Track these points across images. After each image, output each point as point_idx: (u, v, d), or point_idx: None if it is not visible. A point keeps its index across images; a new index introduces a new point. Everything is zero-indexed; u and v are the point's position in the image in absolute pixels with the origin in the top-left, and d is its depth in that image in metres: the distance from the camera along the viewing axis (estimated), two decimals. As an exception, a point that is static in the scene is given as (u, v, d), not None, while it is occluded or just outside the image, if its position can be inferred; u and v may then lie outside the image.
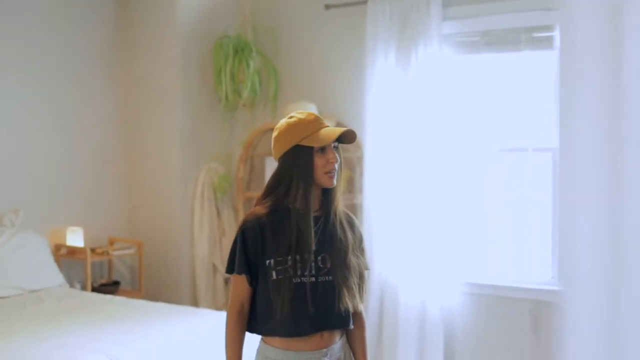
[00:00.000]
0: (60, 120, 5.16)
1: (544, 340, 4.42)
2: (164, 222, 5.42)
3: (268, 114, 5.43)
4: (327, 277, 2.28)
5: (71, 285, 4.89)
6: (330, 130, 2.29)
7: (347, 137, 2.30)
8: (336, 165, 2.29)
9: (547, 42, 4.44)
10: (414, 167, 4.63)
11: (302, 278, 2.25)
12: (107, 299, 4.45)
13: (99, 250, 5.10)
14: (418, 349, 4.64)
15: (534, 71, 4.52)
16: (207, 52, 5.41)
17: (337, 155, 2.30)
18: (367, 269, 2.42)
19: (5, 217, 4.66)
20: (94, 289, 4.98)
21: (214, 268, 5.42)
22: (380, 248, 4.71)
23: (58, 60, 5.13)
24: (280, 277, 2.24)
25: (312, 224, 2.27)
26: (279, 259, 2.25)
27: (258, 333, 2.35)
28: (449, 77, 4.66)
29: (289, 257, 2.25)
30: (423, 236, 4.61)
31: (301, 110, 2.35)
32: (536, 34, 4.48)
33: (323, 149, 2.27)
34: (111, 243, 5.34)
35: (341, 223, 2.36)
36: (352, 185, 4.99)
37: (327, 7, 5.06)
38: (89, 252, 4.90)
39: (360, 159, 4.89)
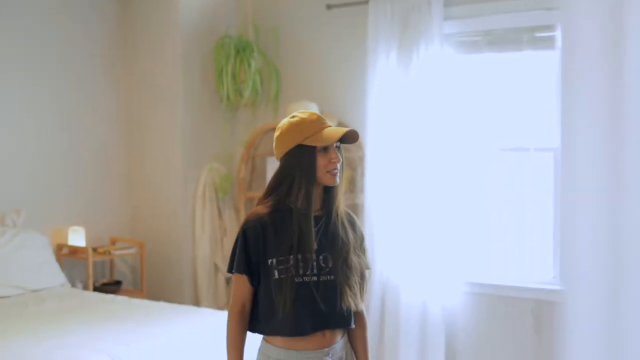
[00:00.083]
0: (62, 120, 5.17)
1: (545, 340, 4.42)
2: (165, 222, 5.42)
3: (269, 114, 5.43)
4: (328, 277, 2.28)
5: (73, 285, 4.89)
6: (333, 130, 2.29)
7: (350, 137, 2.30)
8: (338, 165, 2.30)
9: (548, 42, 4.44)
10: (415, 167, 4.64)
11: (304, 277, 2.25)
12: (108, 298, 4.45)
13: (100, 250, 5.10)
14: (419, 349, 4.64)
15: (536, 71, 4.52)
16: (208, 52, 5.41)
17: (339, 155, 2.30)
18: (368, 268, 2.43)
19: (7, 217, 4.67)
20: (95, 289, 4.98)
21: (216, 268, 5.42)
22: (382, 248, 4.71)
23: (59, 59, 5.14)
24: (282, 276, 2.24)
25: (313, 223, 2.27)
26: (281, 258, 2.25)
27: (260, 333, 2.35)
28: (451, 76, 4.65)
29: (291, 257, 2.25)
30: (424, 236, 4.61)
31: (303, 110, 2.36)
32: (538, 34, 4.48)
33: (325, 149, 2.28)
34: (113, 243, 5.34)
35: (342, 223, 2.37)
36: (354, 185, 4.99)
37: (329, 7, 5.06)
38: (90, 251, 4.90)
39: (361, 158, 4.89)
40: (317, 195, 2.33)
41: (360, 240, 2.43)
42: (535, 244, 4.57)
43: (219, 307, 5.22)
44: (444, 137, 4.61)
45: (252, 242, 2.28)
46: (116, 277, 5.38)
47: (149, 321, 3.92)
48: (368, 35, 4.76)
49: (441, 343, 4.60)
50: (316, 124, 2.29)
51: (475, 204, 4.75)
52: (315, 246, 2.27)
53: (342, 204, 2.38)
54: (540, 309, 4.44)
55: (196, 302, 5.33)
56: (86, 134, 5.32)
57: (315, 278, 2.27)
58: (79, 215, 5.23)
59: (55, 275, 4.66)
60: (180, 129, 5.32)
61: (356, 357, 2.44)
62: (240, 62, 5.20)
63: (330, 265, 2.29)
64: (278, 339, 2.29)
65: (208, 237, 5.37)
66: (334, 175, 2.29)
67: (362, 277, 2.38)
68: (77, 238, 5.03)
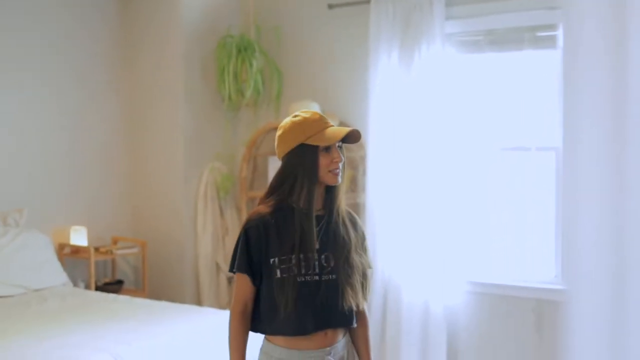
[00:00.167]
0: (64, 120, 5.17)
1: (547, 339, 4.42)
2: (167, 221, 5.43)
3: (271, 114, 5.44)
4: (330, 276, 2.28)
5: (75, 284, 4.90)
6: (336, 130, 2.29)
7: (352, 137, 2.30)
8: (340, 165, 2.30)
9: (550, 41, 4.44)
10: (416, 167, 4.64)
11: (306, 277, 2.25)
12: (110, 297, 4.46)
13: (102, 250, 5.11)
14: (421, 348, 4.64)
15: (537, 70, 4.52)
16: (210, 52, 5.42)
17: (341, 154, 2.30)
18: (370, 267, 2.43)
19: (9, 217, 4.68)
20: (97, 288, 4.99)
21: (217, 267, 5.43)
22: (383, 247, 4.71)
23: (61, 59, 5.14)
24: (284, 275, 2.24)
25: (314, 223, 2.27)
26: (283, 257, 2.25)
27: (262, 332, 2.35)
28: (452, 76, 4.65)
29: (293, 256, 2.25)
30: (426, 235, 4.61)
31: (304, 109, 2.36)
32: (539, 33, 4.48)
33: (328, 149, 2.28)
34: (115, 242, 5.35)
35: (344, 222, 2.37)
36: (355, 185, 4.99)
37: (330, 6, 5.06)
38: (92, 251, 4.91)
39: (363, 158, 4.89)
40: (318, 195, 2.32)
41: (362, 239, 2.43)
42: (536, 243, 4.56)
43: (221, 307, 5.22)
44: (446, 137, 4.61)
45: (254, 242, 2.28)
46: (118, 277, 5.38)
47: (151, 320, 3.92)
48: (370, 34, 4.77)
49: (443, 342, 4.60)
50: (319, 123, 2.29)
51: (477, 203, 4.75)
52: (317, 245, 2.27)
53: (343, 203, 2.38)
54: (541, 308, 4.44)
55: (198, 302, 5.34)
56: (88, 133, 5.32)
57: (317, 277, 2.27)
58: (81, 214, 5.24)
59: (57, 275, 4.67)
60: (182, 129, 5.33)
61: (358, 356, 2.44)
62: (242, 62, 5.21)
63: (332, 264, 2.29)
64: (280, 339, 2.29)
65: (210, 236, 5.37)
66: (336, 174, 2.30)
67: (364, 276, 2.38)
68: (79, 237, 5.04)
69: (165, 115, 5.42)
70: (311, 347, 2.28)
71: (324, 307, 2.27)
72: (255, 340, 2.39)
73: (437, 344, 4.60)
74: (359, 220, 2.46)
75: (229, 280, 5.42)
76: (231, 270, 2.34)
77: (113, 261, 5.37)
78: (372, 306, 4.69)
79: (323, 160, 2.28)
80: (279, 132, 2.34)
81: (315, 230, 2.27)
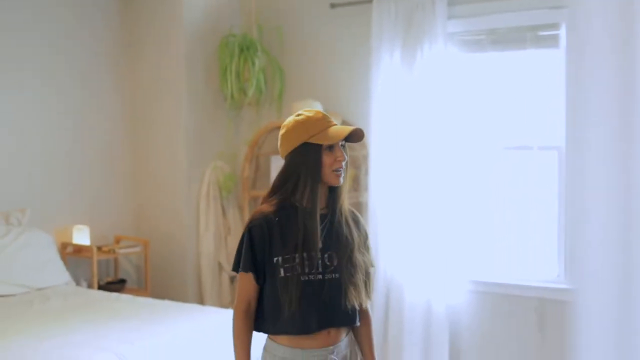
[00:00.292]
0: (66, 119, 5.18)
1: (549, 339, 4.42)
2: (169, 221, 5.43)
3: (273, 113, 5.44)
4: (333, 275, 2.29)
5: (77, 283, 4.91)
6: (339, 129, 2.29)
7: (355, 136, 2.30)
8: (343, 164, 2.30)
9: (552, 41, 4.44)
10: (419, 166, 4.64)
11: (310, 276, 2.26)
12: (113, 297, 4.46)
13: (105, 249, 5.11)
14: (423, 348, 4.65)
15: (539, 69, 4.52)
16: (212, 51, 5.42)
17: (344, 153, 2.30)
18: (372, 266, 2.43)
19: (12, 216, 4.68)
20: (100, 287, 4.99)
21: (220, 266, 5.43)
22: (386, 246, 4.71)
23: (64, 59, 5.15)
24: (288, 274, 2.24)
25: (318, 221, 2.27)
26: (286, 256, 2.25)
27: (265, 332, 2.35)
28: (454, 75, 4.65)
29: (297, 255, 2.25)
30: (428, 234, 4.61)
31: (307, 108, 2.36)
32: (541, 33, 4.48)
33: (331, 147, 2.28)
34: (117, 241, 5.35)
35: (347, 221, 2.37)
36: (358, 184, 4.99)
37: (333, 5, 5.06)
38: (95, 250, 4.91)
39: (365, 157, 4.89)
40: (321, 194, 2.32)
41: (365, 238, 2.43)
42: (539, 242, 4.56)
43: (223, 306, 5.23)
44: (448, 136, 4.61)
45: (258, 240, 2.28)
46: (120, 276, 5.39)
47: (154, 319, 3.92)
48: (372, 34, 4.77)
49: (445, 341, 4.60)
50: (322, 122, 2.29)
51: (479, 202, 4.76)
52: (320, 244, 2.27)
53: (346, 202, 2.39)
54: (544, 307, 4.44)
55: (200, 301, 5.34)
56: (91, 132, 5.33)
57: (320, 276, 2.27)
58: (84, 213, 5.24)
59: (59, 274, 4.67)
60: (185, 128, 5.33)
61: (362, 354, 2.44)
62: (244, 61, 5.21)
63: (335, 263, 2.30)
64: (283, 338, 2.30)
65: (212, 235, 5.38)
66: (339, 175, 2.29)
67: (367, 275, 2.39)
68: (81, 237, 5.04)
69: (168, 114, 5.42)
70: (314, 346, 2.28)
71: (327, 306, 2.27)
72: (258, 339, 2.39)
73: (439, 343, 4.60)
74: (361, 219, 2.46)
75: (232, 279, 5.43)
76: (235, 269, 2.34)
77: (115, 260, 5.38)
78: (374, 305, 4.69)
79: (326, 159, 2.28)
80: (282, 131, 2.34)
81: (319, 229, 2.27)
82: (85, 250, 4.98)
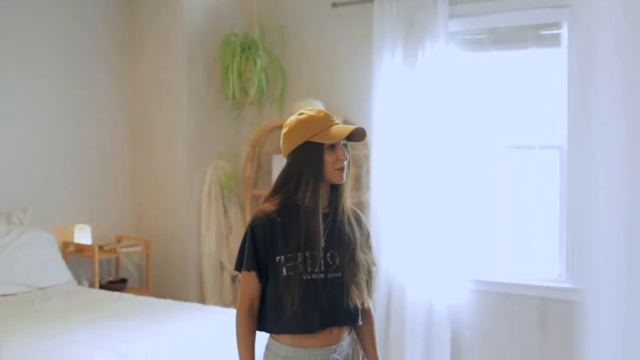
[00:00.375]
0: (68, 119, 5.18)
1: (551, 338, 4.42)
2: (171, 220, 5.43)
3: (275, 112, 5.44)
4: (336, 274, 2.29)
5: (79, 283, 4.91)
6: (341, 128, 2.29)
7: (357, 135, 2.30)
8: (345, 163, 2.30)
9: (554, 40, 4.44)
10: (420, 165, 4.64)
11: (312, 275, 2.25)
12: (114, 296, 4.46)
13: (106, 248, 5.12)
14: (425, 347, 4.65)
15: (541, 69, 4.51)
16: (213, 51, 5.42)
17: (346, 152, 2.30)
18: (374, 265, 2.43)
19: (14, 215, 4.68)
20: (101, 286, 5.00)
21: (221, 265, 5.43)
22: (387, 246, 4.71)
23: (65, 58, 5.15)
24: (290, 273, 2.24)
25: (321, 220, 2.27)
26: (289, 255, 2.25)
27: (267, 331, 2.35)
28: (456, 74, 4.65)
29: (299, 254, 2.25)
30: (430, 234, 4.61)
31: (308, 107, 2.36)
32: (543, 32, 4.47)
33: (333, 147, 2.28)
34: (118, 241, 5.36)
35: (349, 220, 2.37)
36: (359, 183, 4.99)
37: (334, 5, 5.06)
38: (96, 249, 4.92)
39: (367, 156, 4.89)
40: (324, 193, 2.32)
41: (367, 237, 2.43)
42: (540, 241, 4.56)
43: (225, 305, 5.23)
44: (450, 135, 4.61)
45: (260, 239, 2.28)
46: (122, 275, 5.39)
47: (155, 319, 3.92)
48: (373, 33, 4.77)
49: (447, 341, 4.60)
50: (324, 121, 2.29)
51: (481, 201, 4.75)
52: (322, 243, 2.27)
53: (348, 201, 2.38)
54: (545, 306, 4.44)
55: (202, 300, 5.34)
56: (92, 132, 5.33)
57: (322, 275, 2.27)
58: (85, 213, 5.25)
59: (61, 273, 4.68)
60: (186, 127, 5.33)
61: (365, 353, 2.45)
62: (245, 60, 5.21)
63: (337, 262, 2.30)
64: (286, 337, 2.29)
65: (214, 235, 5.38)
66: (341, 173, 2.29)
67: (369, 274, 2.39)
68: (83, 236, 5.05)
69: (169, 114, 5.42)
70: (317, 345, 2.28)
71: (330, 305, 2.27)
72: (260, 338, 2.39)
73: (441, 343, 4.60)
74: (364, 218, 2.46)
75: (233, 278, 5.43)
76: (238, 268, 2.34)
77: (117, 259, 5.38)
78: (376, 305, 4.69)
79: (328, 158, 2.28)
80: (284, 130, 2.34)
81: (321, 228, 2.27)
82: (86, 250, 4.98)
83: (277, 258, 2.26)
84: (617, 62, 3.51)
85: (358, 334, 2.44)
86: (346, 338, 2.35)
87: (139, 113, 5.58)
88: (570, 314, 4.18)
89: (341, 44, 5.17)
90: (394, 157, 4.71)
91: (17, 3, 4.84)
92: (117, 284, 5.12)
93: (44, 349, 3.32)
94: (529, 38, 4.50)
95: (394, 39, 4.70)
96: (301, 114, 2.33)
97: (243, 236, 2.32)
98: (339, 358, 2.31)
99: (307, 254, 2.25)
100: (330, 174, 2.29)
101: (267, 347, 2.36)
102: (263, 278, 2.30)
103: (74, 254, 5.04)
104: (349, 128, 2.28)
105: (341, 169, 2.29)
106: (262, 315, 2.34)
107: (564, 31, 4.37)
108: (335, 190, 2.35)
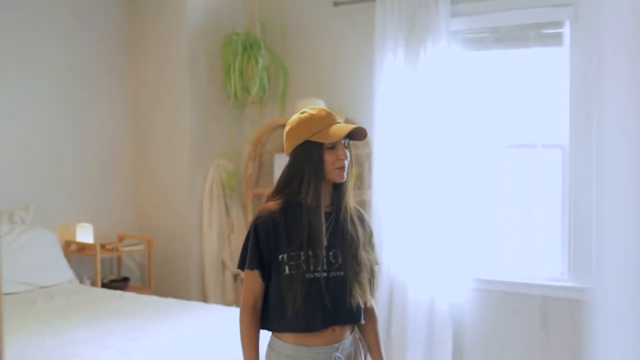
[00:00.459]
0: (70, 118, 5.18)
1: (553, 337, 4.41)
2: (173, 219, 5.43)
3: (277, 111, 5.44)
4: (338, 273, 2.29)
5: (81, 281, 4.91)
6: (341, 127, 2.28)
7: (358, 134, 2.30)
8: (346, 162, 2.29)
9: (555, 39, 4.43)
10: (422, 164, 4.63)
11: (315, 273, 2.26)
12: (116, 295, 4.46)
13: (108, 247, 5.12)
14: (427, 346, 4.64)
15: (543, 67, 4.51)
16: (215, 50, 5.42)
17: (347, 152, 2.30)
18: (377, 264, 2.43)
19: (16, 214, 4.68)
20: (103, 285, 5.00)
21: (223, 264, 5.43)
22: (389, 244, 4.71)
23: (67, 58, 5.15)
24: (293, 272, 2.24)
25: (323, 219, 2.27)
26: (292, 254, 2.25)
27: (270, 330, 2.35)
28: (458, 73, 4.65)
29: (302, 253, 2.25)
30: (432, 232, 4.61)
31: (310, 106, 2.36)
32: (545, 31, 4.47)
33: (333, 146, 2.28)
34: (120, 239, 5.36)
35: (352, 219, 2.37)
36: (361, 182, 4.99)
37: (336, 4, 5.06)
38: (98, 248, 4.92)
39: (369, 155, 4.89)
40: (326, 192, 2.33)
41: (369, 236, 2.43)
42: (543, 240, 4.56)
43: (227, 304, 5.23)
44: (451, 134, 4.60)
45: (263, 238, 2.28)
46: (124, 274, 5.39)
47: (157, 317, 3.93)
48: (375, 32, 4.76)
49: (448, 339, 4.60)
50: (325, 120, 2.29)
51: (483, 200, 4.75)
52: (325, 242, 2.27)
53: (351, 200, 2.38)
54: (548, 305, 4.44)
55: (204, 299, 5.34)
56: (94, 131, 5.33)
57: (325, 274, 2.27)
58: (87, 212, 5.25)
59: (63, 272, 4.68)
60: (188, 126, 5.33)
61: (369, 351, 2.45)
62: (247, 59, 5.21)
63: (340, 261, 2.30)
64: (288, 335, 2.30)
65: (215, 233, 5.38)
66: (341, 172, 2.29)
67: (372, 273, 2.39)
68: (85, 235, 5.05)
69: (171, 113, 5.42)
70: (319, 344, 2.28)
71: (332, 304, 2.27)
72: (263, 337, 2.39)
73: (442, 341, 4.60)
74: (366, 217, 2.46)
75: (235, 277, 5.43)
76: (241, 267, 2.34)
77: (119, 258, 5.38)
78: (378, 303, 4.67)
79: (328, 157, 2.28)
80: (286, 128, 2.34)
81: (324, 226, 2.27)
82: (88, 248, 4.99)
83: (280, 257, 2.26)
84: (619, 60, 3.50)
85: (362, 333, 2.44)
86: (348, 337, 2.35)
87: (141, 112, 5.58)
88: (573, 312, 4.18)
89: (343, 42, 5.17)
90: (396, 155, 4.71)
91: (17, 3, 4.84)
92: (119, 283, 5.12)
93: (46, 347, 3.33)
94: (531, 37, 4.50)
95: (396, 37, 4.70)
96: (303, 112, 2.33)
97: (246, 234, 2.33)
98: (341, 357, 2.31)
99: (310, 252, 2.25)
100: (331, 173, 2.29)
101: (270, 346, 2.36)
102: (266, 277, 2.30)
103: (76, 252, 5.04)
104: (348, 127, 2.28)
105: (341, 168, 2.29)
106: (264, 314, 2.34)
107: (566, 30, 4.37)
108: (338, 189, 2.34)
